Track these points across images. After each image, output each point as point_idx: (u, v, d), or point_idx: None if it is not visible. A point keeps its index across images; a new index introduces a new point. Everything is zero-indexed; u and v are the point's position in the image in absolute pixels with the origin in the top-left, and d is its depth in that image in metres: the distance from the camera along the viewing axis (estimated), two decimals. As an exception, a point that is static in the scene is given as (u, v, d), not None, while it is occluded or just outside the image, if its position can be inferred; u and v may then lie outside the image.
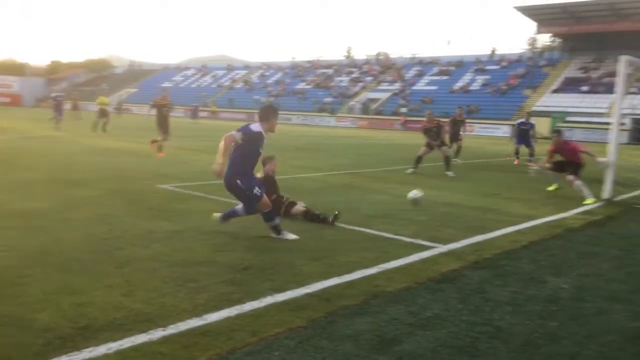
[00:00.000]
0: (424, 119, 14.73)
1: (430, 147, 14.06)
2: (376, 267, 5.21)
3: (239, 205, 6.29)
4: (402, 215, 7.71)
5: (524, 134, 17.66)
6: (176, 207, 7.75)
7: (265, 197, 6.19)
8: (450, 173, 13.55)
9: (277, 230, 6.23)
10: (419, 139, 15.62)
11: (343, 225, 7.03)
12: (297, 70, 75.74)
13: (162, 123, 15.81)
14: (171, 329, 3.59)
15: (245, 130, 5.94)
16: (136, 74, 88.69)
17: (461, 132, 18.45)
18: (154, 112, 16.03)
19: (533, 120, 18.34)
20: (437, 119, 14.60)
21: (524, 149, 17.62)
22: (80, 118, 34.10)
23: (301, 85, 70.53)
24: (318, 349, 3.41)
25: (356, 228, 6.90)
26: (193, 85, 79.71)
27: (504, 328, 3.89)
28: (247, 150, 6.00)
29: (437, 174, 13.54)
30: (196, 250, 5.54)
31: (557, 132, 11.21)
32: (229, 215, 6.37)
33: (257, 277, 4.74)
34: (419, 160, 13.92)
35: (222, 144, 5.81)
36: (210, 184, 10.24)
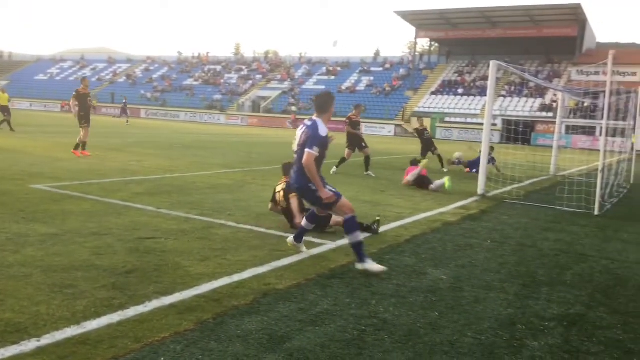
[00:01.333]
0: (352, 112, 14.36)
1: (352, 149, 14.01)
2: (267, 265, 5.19)
3: (303, 221, 5.70)
4: (291, 212, 7.74)
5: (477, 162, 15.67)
6: (51, 209, 7.22)
7: (346, 200, 5.42)
8: (370, 173, 13.67)
9: (359, 251, 5.21)
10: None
11: (233, 223, 6.94)
12: (184, 66, 73.83)
13: (86, 115, 14.69)
14: (46, 339, 3.33)
15: (319, 141, 5.27)
16: (6, 66, 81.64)
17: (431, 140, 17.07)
18: (75, 103, 14.77)
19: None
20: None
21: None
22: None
23: (189, 81, 68.87)
24: (206, 351, 3.33)
25: (247, 226, 6.84)
26: (71, 79, 74.94)
27: (389, 320, 4.04)
28: (318, 155, 5.33)
29: (330, 172, 13.74)
30: (74, 254, 5.19)
31: (415, 162, 12.65)
32: (301, 233, 5.70)
33: (142, 280, 4.54)
34: (343, 161, 13.87)
35: (312, 170, 5.21)
36: (89, 183, 9.68)
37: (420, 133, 17.07)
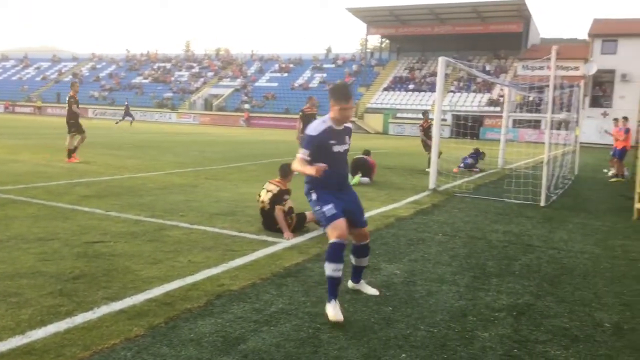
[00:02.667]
0: (306, 105, 13.81)
1: None
2: (221, 266, 5.13)
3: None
4: (246, 212, 7.68)
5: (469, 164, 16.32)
6: (-7, 214, 6.92)
7: (340, 224, 4.21)
8: None
9: (333, 288, 4.11)
10: (263, 135, 15.44)
11: (186, 224, 6.82)
12: (132, 63, 72.13)
13: (77, 121, 14.07)
14: (-12, 352, 3.19)
15: (307, 142, 4.30)
16: (-58, 64, 77.92)
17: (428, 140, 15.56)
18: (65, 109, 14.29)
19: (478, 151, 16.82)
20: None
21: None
22: None
23: (138, 79, 67.31)
24: (158, 357, 3.26)
25: (199, 227, 6.74)
26: (14, 78, 72.25)
27: (344, 316, 4.04)
28: (316, 157, 4.26)
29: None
30: (18, 260, 4.99)
31: (367, 152, 13.23)
32: (332, 287, 4.14)
33: (90, 286, 4.40)
34: None
35: (296, 169, 4.34)
36: (34, 186, 9.33)
37: (427, 132, 15.72)
